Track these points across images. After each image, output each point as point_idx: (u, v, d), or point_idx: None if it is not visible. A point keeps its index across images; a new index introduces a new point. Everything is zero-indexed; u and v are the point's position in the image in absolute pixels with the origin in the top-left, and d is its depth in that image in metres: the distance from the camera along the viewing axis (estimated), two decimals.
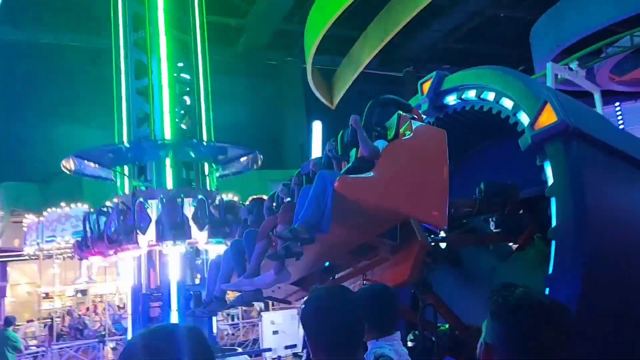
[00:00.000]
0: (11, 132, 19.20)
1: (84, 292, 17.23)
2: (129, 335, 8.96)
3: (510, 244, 4.93)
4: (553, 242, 3.24)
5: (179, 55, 11.05)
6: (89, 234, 8.78)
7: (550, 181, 3.45)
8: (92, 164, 9.92)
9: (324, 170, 3.57)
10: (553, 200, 3.36)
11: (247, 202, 5.30)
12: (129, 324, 9.32)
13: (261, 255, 4.21)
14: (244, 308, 16.14)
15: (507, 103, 4.17)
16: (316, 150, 20.50)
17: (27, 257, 15.67)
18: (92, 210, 9.91)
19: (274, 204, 4.89)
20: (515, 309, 1.39)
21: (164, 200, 8.35)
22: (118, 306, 16.05)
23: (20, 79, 19.63)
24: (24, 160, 19.29)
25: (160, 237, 7.98)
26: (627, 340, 3.10)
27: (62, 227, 13.59)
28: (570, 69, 10.49)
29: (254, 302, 5.17)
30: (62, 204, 14.01)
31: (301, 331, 12.89)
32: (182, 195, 8.67)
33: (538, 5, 18.05)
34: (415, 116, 3.92)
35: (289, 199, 4.62)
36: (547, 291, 3.10)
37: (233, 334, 14.81)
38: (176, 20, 11.32)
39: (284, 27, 20.33)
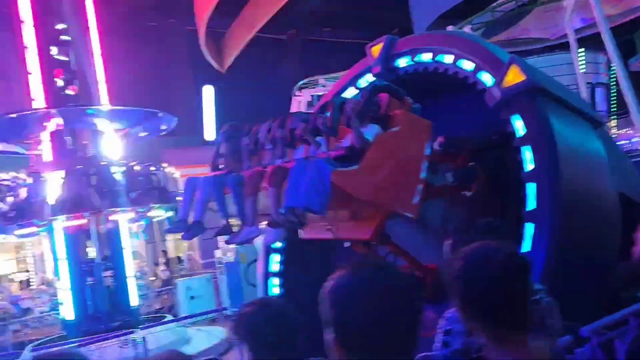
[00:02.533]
0: None
1: None
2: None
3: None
4: (530, 185, 3.85)
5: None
6: None
7: (521, 132, 4.04)
8: None
9: (320, 160, 3.85)
10: (526, 148, 3.95)
11: (224, 128, 5.29)
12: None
13: (254, 207, 4.40)
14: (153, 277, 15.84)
15: (467, 65, 4.69)
16: (208, 115, 20.04)
17: None
18: None
19: (252, 144, 5.00)
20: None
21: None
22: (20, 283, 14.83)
23: None
24: None
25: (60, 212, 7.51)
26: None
27: None
28: None
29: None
30: None
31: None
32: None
33: None
34: (406, 102, 4.23)
35: (270, 146, 4.78)
36: (531, 226, 3.71)
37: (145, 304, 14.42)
38: None
39: None
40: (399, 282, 1.29)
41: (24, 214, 7.74)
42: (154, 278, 16.08)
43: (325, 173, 3.61)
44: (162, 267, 16.81)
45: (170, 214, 9.99)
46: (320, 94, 15.53)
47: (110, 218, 8.17)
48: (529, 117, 3.98)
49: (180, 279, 14.04)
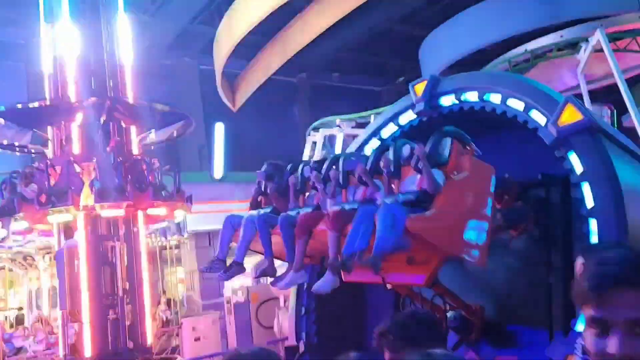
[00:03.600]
0: None
1: None
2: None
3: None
4: (592, 220, 3.87)
5: None
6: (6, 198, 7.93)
7: (579, 169, 4.10)
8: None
9: (394, 205, 3.80)
10: (585, 185, 4.00)
11: (264, 166, 5.26)
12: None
13: (304, 251, 4.34)
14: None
15: (516, 104, 4.80)
16: (218, 152, 20.11)
17: None
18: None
19: (298, 181, 4.99)
20: None
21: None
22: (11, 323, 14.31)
23: None
24: None
25: (99, 198, 7.40)
26: None
27: None
28: None
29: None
30: None
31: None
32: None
33: (426, 22, 19.88)
34: (470, 148, 4.27)
35: (321, 186, 4.76)
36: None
37: None
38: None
39: (187, 28, 19.71)
40: None
41: (57, 199, 7.60)
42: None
43: (400, 218, 3.56)
44: (162, 307, 16.44)
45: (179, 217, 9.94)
46: (336, 134, 15.72)
47: (148, 212, 8.04)
48: (588, 154, 4.05)
49: (183, 319, 13.70)
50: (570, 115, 4.22)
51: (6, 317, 15.42)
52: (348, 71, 25.68)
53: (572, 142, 4.17)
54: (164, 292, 17.37)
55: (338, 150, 16.02)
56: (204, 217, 17.84)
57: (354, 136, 16.12)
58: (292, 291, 6.46)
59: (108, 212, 7.78)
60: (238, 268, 4.79)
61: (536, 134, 4.64)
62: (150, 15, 18.85)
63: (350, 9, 15.53)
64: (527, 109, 4.65)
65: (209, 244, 19.48)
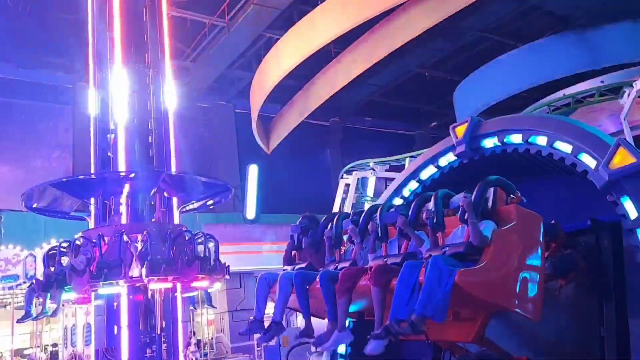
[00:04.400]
0: None
1: None
2: None
3: None
4: None
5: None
6: (51, 271, 7.96)
7: (633, 214, 3.91)
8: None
9: (438, 258, 3.62)
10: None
11: (299, 219, 5.18)
12: None
13: (347, 310, 4.21)
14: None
15: (563, 146, 4.67)
16: (251, 194, 20.29)
17: None
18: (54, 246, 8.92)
19: (334, 235, 4.88)
20: None
21: (150, 234, 7.82)
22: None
23: None
24: None
25: (150, 272, 7.38)
26: None
27: None
28: None
29: None
30: None
31: None
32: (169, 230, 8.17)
33: (459, 68, 20.00)
34: (515, 197, 4.12)
35: (358, 240, 4.65)
36: None
37: None
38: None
39: (224, 73, 20.37)
40: None
41: (107, 272, 7.61)
42: None
43: (448, 276, 3.39)
44: (192, 348, 16.26)
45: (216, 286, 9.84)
46: (368, 177, 15.67)
47: (192, 285, 8.04)
48: None
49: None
50: (622, 159, 4.08)
51: (42, 353, 15.50)
52: (381, 115, 25.87)
53: (625, 185, 4.01)
54: (194, 333, 17.24)
55: (370, 193, 15.91)
56: (236, 257, 17.85)
57: (387, 179, 16.04)
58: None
59: (156, 285, 7.82)
60: (277, 328, 4.65)
61: (582, 178, 4.50)
62: (191, 60, 19.59)
63: (384, 55, 15.79)
64: (576, 151, 4.52)
65: (240, 285, 19.38)
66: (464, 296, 3.48)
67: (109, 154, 9.33)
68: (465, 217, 3.81)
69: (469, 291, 3.42)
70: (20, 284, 12.27)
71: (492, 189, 4.02)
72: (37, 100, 19.12)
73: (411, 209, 4.29)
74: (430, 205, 4.09)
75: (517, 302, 3.64)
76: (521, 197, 4.15)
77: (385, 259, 4.24)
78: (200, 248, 8.24)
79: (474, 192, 3.95)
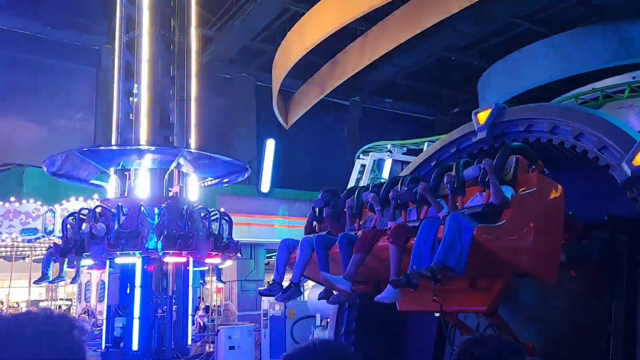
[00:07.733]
0: None
1: None
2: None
3: None
4: None
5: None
6: (70, 236, 8.08)
7: None
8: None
9: (457, 214, 3.68)
10: None
11: (321, 193, 5.26)
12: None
13: (359, 265, 4.26)
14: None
15: (589, 139, 4.60)
16: (267, 167, 20.37)
17: None
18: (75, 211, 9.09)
19: (354, 204, 4.95)
20: None
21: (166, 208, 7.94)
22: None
23: None
24: None
25: (166, 246, 7.52)
26: None
27: (10, 223, 12.29)
28: None
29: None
30: (12, 198, 12.65)
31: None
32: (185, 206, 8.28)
33: (487, 54, 19.64)
34: (537, 166, 4.12)
35: (379, 207, 4.70)
36: None
37: None
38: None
39: (248, 45, 20.26)
40: None
41: (125, 242, 7.80)
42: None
43: (467, 229, 3.41)
44: (201, 313, 16.61)
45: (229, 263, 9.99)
46: (385, 159, 15.61)
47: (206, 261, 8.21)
48: None
49: (220, 326, 13.78)
50: None
51: (56, 307, 15.96)
52: (402, 97, 25.59)
53: None
54: (203, 299, 17.58)
55: (386, 175, 15.89)
56: (248, 229, 18.05)
57: (403, 162, 15.97)
58: (333, 311, 6.37)
59: (170, 258, 7.97)
60: (296, 289, 4.80)
61: (603, 172, 4.44)
62: (216, 29, 19.51)
63: (410, 35, 15.53)
64: (600, 145, 4.45)
65: (250, 256, 19.63)
66: (481, 253, 3.48)
67: (131, 116, 9.41)
68: (487, 179, 3.80)
69: (487, 247, 3.42)
70: (39, 237, 12.61)
71: (514, 157, 4.03)
72: (63, 60, 19.27)
73: (432, 175, 4.38)
74: (453, 172, 4.16)
75: (533, 264, 3.63)
76: (543, 167, 4.13)
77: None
78: (215, 226, 8.35)
79: (496, 156, 3.95)
